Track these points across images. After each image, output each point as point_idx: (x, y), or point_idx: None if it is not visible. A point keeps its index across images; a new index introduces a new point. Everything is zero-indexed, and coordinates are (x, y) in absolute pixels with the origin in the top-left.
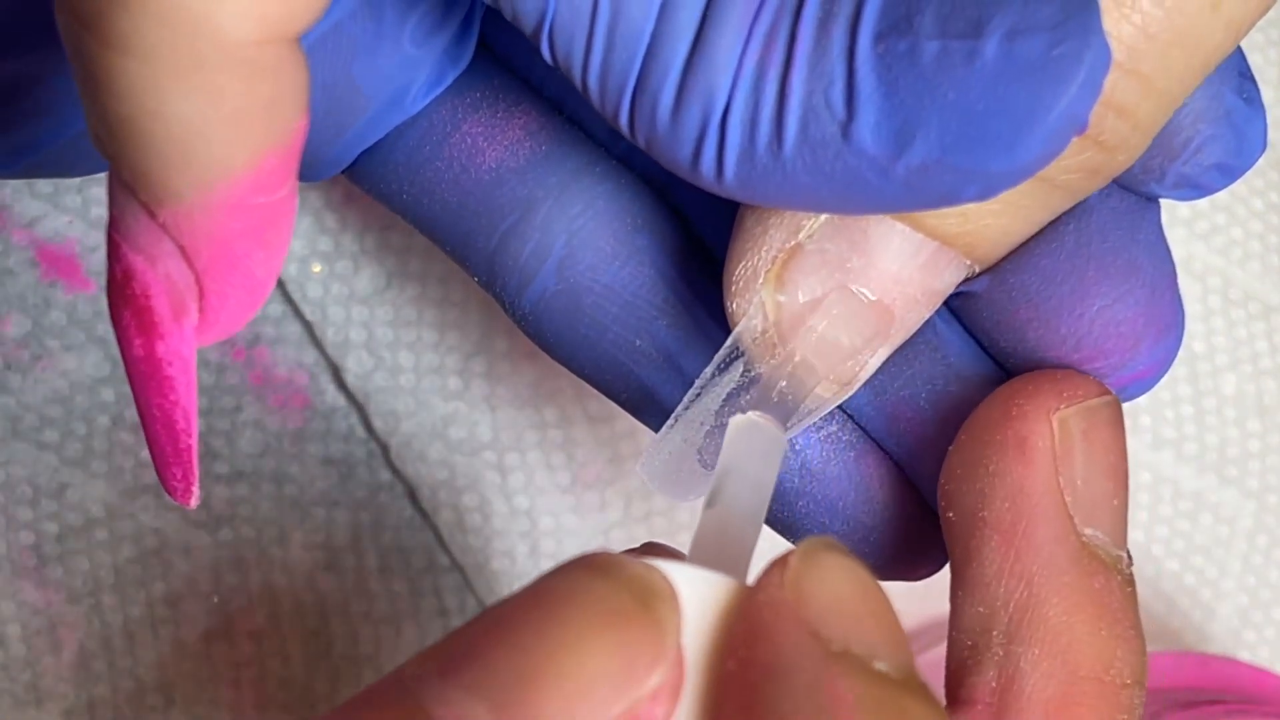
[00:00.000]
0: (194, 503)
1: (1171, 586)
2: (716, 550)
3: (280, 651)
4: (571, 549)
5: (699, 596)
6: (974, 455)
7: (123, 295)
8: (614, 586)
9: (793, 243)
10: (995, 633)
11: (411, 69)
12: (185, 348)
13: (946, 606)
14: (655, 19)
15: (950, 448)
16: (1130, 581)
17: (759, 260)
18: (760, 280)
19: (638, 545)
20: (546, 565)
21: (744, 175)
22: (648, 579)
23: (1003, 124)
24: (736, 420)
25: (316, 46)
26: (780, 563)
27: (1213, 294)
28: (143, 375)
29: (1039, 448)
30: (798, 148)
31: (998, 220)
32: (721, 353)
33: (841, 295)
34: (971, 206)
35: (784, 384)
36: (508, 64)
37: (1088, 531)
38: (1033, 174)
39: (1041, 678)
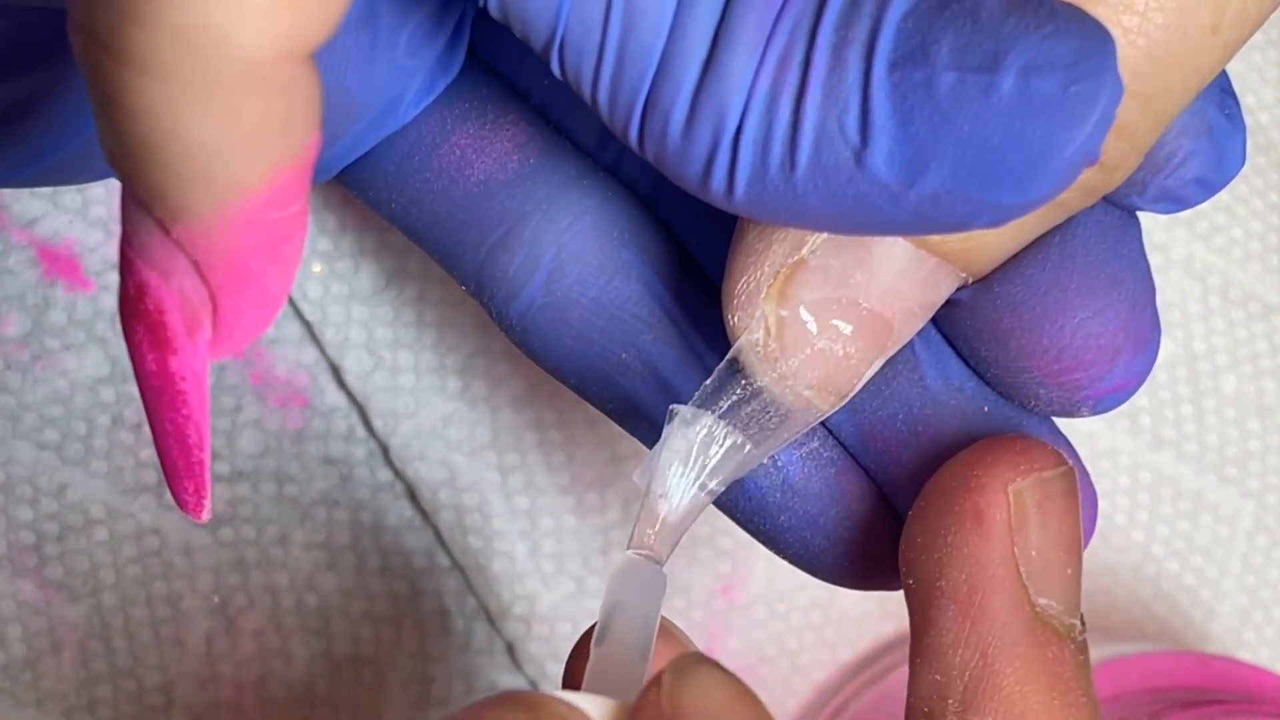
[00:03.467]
0: (206, 516)
1: (1171, 586)
2: (609, 685)
3: (280, 651)
4: (571, 549)
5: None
6: (933, 524)
7: (136, 310)
8: None
9: (796, 258)
10: (951, 700)
11: (405, 78)
12: (198, 363)
13: None
14: (666, 37)
15: (910, 514)
16: (1083, 649)
17: (761, 275)
18: (763, 295)
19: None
20: (546, 565)
21: (754, 195)
22: (569, 718)
23: (1017, 159)
24: (619, 562)
25: None
26: (655, 681)
27: (1213, 294)
28: (155, 390)
29: (995, 520)
30: (810, 172)
31: (998, 238)
32: (722, 366)
33: (844, 310)
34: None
35: (782, 397)
36: (495, 69)
37: (1041, 601)
38: (1043, 205)
39: None
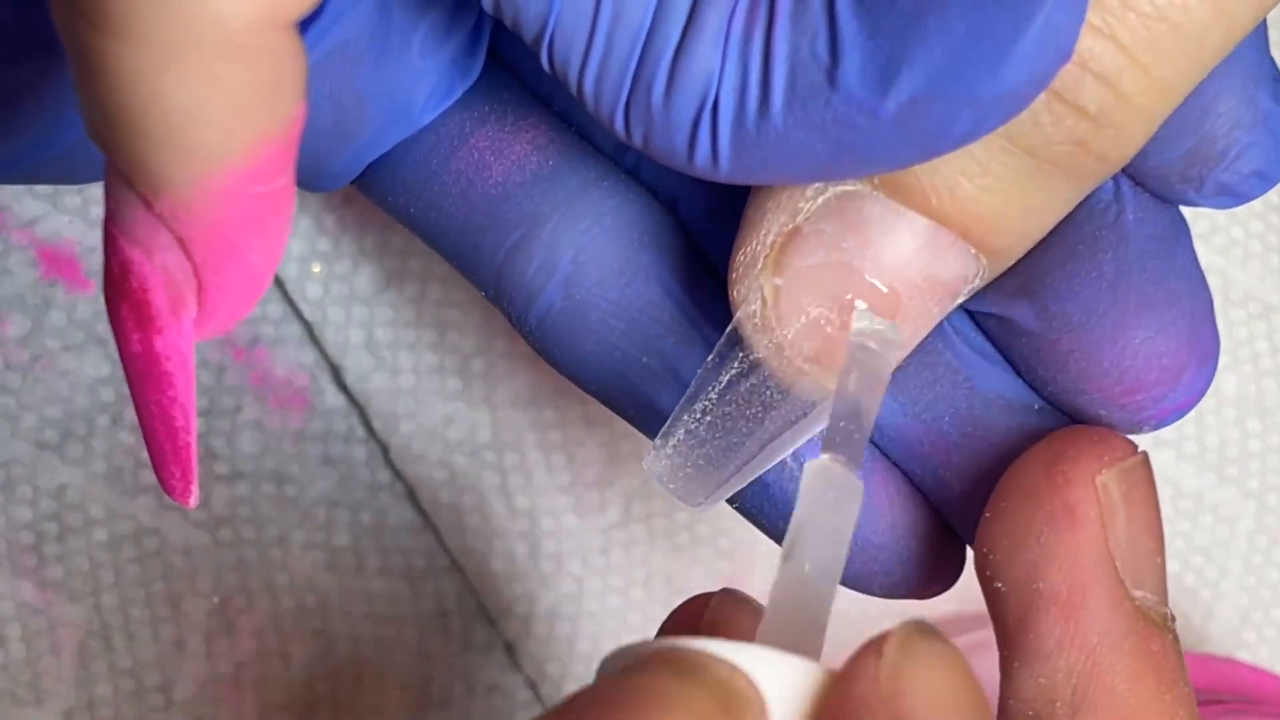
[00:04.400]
0: (193, 502)
1: (1171, 586)
2: (794, 609)
3: (280, 651)
4: (571, 549)
5: (786, 685)
6: (1021, 525)
7: (120, 289)
8: (698, 692)
9: (791, 226)
10: (1059, 704)
11: (418, 80)
12: (184, 342)
13: (947, 607)
14: (653, 13)
15: (987, 514)
16: (1177, 639)
17: (758, 245)
18: (759, 265)
19: (713, 590)
20: (546, 565)
21: (739, 148)
22: (732, 683)
23: (985, 44)
24: (811, 465)
25: (324, 61)
26: (874, 650)
27: (1213, 294)
28: (140, 372)
29: (1088, 516)
30: (787, 103)
31: (989, 198)
32: (721, 340)
33: (838, 277)
34: (960, 183)
35: (779, 369)
36: (516, 75)
37: (1137, 594)
38: (1023, 102)
39: None
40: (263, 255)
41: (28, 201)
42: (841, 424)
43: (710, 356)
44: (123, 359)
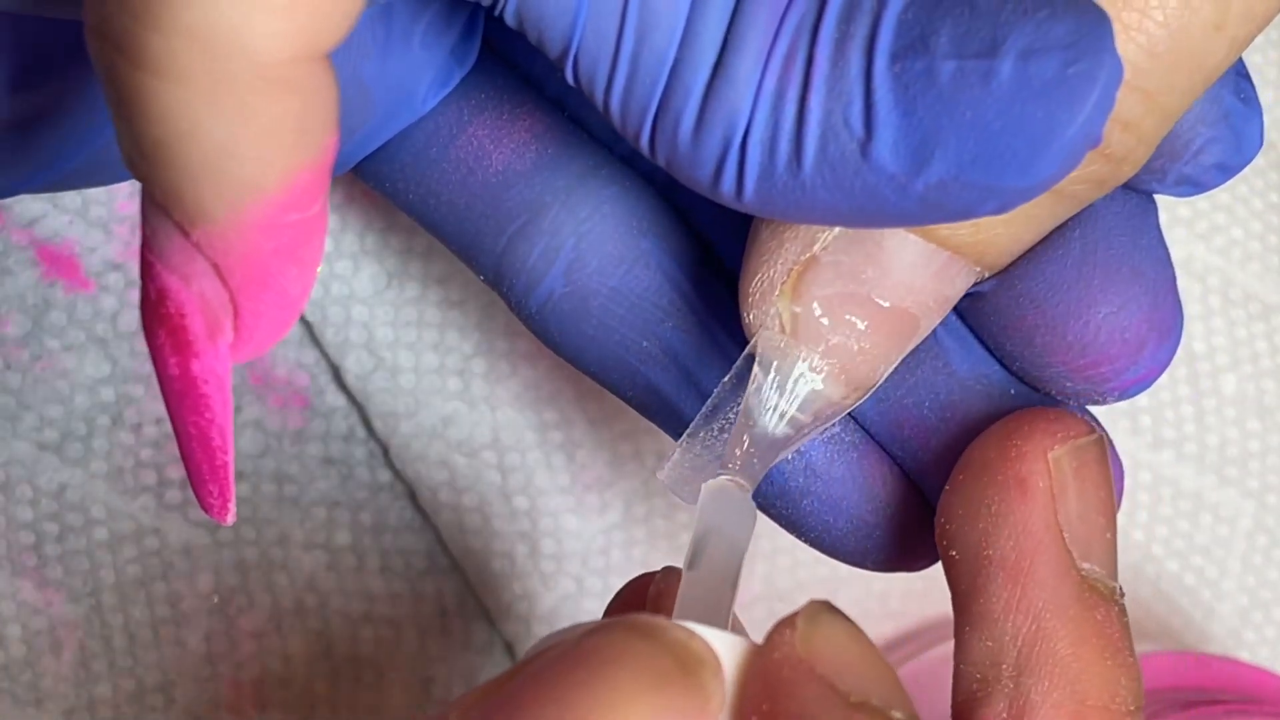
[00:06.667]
0: (230, 519)
1: (1171, 586)
2: (700, 609)
3: (280, 651)
4: (572, 549)
5: (722, 653)
6: (975, 496)
7: (157, 315)
8: (657, 650)
9: (808, 255)
10: (1004, 665)
11: (420, 70)
12: (220, 366)
13: (946, 607)
14: (678, 45)
15: (947, 488)
16: (1124, 612)
17: (775, 272)
18: (776, 292)
19: (654, 567)
20: (547, 566)
21: (764, 193)
22: (689, 644)
23: (1020, 142)
24: (709, 485)
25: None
26: (788, 623)
27: (1213, 294)
28: (178, 394)
29: (1039, 487)
30: (817, 166)
31: (1008, 229)
32: (739, 363)
33: (857, 305)
34: (980, 220)
35: (802, 391)
36: (511, 61)
37: (1085, 566)
38: (1048, 189)
39: (1051, 708)
40: (297, 281)
41: (28, 202)
42: (739, 450)
43: (727, 377)
44: (160, 382)
